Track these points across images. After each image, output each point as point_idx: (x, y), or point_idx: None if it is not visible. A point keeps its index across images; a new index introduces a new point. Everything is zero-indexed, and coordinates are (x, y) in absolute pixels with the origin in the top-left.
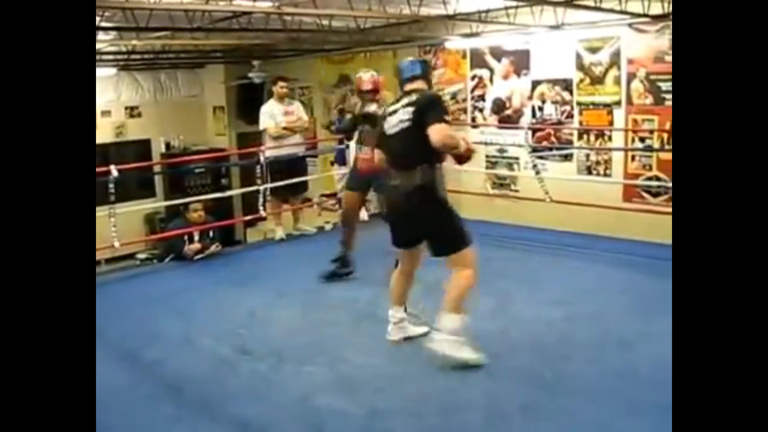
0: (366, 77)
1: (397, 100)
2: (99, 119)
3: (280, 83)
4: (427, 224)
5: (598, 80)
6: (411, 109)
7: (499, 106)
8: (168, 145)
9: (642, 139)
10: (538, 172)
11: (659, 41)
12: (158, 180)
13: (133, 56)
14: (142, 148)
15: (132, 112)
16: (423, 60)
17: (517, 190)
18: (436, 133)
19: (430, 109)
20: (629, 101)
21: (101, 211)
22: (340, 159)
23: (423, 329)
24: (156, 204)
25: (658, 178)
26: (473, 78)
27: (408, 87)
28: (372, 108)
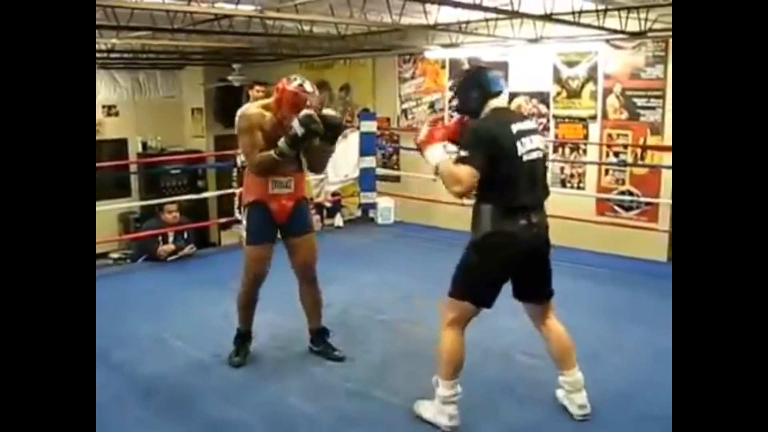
0: (311, 89)
1: (515, 118)
2: None
3: (257, 87)
4: (548, 266)
5: (574, 94)
6: (540, 137)
7: None
8: (145, 145)
9: (616, 154)
10: None
11: (635, 58)
12: (134, 180)
13: (111, 55)
14: (119, 147)
15: (109, 110)
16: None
17: None
18: None
19: None
20: (605, 116)
21: None
22: None
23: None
24: (131, 204)
25: (630, 193)
26: (451, 88)
27: (499, 103)
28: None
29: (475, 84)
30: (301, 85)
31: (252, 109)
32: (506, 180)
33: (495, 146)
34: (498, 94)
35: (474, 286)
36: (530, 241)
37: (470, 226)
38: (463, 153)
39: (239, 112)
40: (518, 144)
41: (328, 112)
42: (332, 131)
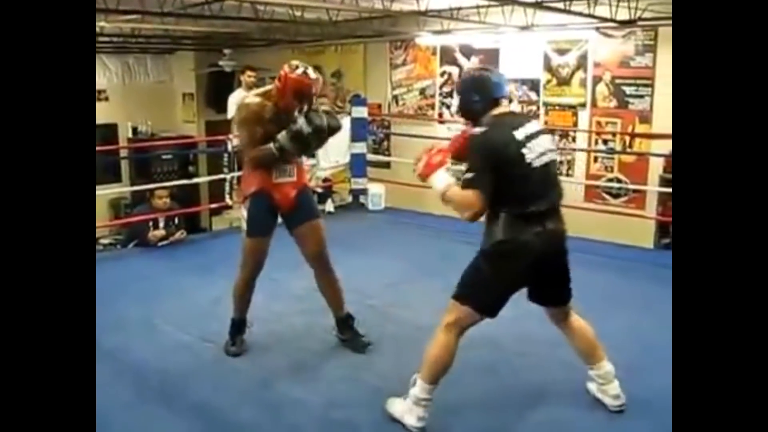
0: (314, 76)
1: (518, 122)
2: None
3: (248, 72)
4: (568, 268)
5: (564, 82)
6: (552, 138)
7: None
8: (135, 131)
9: (605, 141)
10: None
11: (625, 46)
12: (124, 165)
13: (100, 38)
14: (109, 132)
15: (99, 95)
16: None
17: None
18: None
19: None
20: (594, 103)
21: None
22: None
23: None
24: (121, 189)
25: (618, 180)
26: (442, 74)
27: (504, 108)
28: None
29: (477, 88)
30: (304, 73)
31: (251, 98)
32: (517, 188)
33: (500, 157)
34: (501, 99)
35: (480, 293)
36: (543, 248)
37: (483, 233)
38: (468, 175)
39: (233, 99)
40: (525, 150)
41: (325, 114)
42: (330, 133)
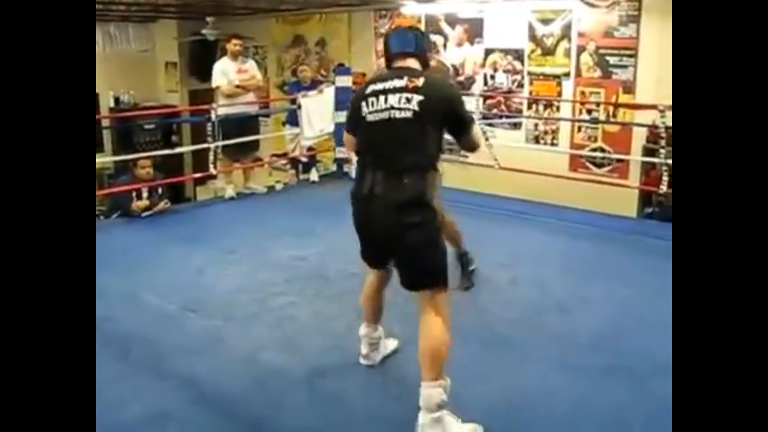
0: None
1: (383, 78)
2: None
3: (234, 41)
4: (412, 248)
5: (548, 51)
6: (418, 98)
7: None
8: (117, 100)
9: (589, 111)
10: (487, 139)
11: (609, 16)
12: (106, 135)
13: None
14: None
15: None
16: (418, 31)
17: (466, 156)
18: (476, 139)
19: (459, 105)
20: (578, 73)
21: None
22: (292, 119)
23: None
24: (104, 159)
25: (602, 150)
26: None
27: (399, 64)
28: None
29: (384, 45)
30: None
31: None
32: (358, 142)
33: (351, 109)
34: (396, 56)
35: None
36: (366, 211)
37: None
38: None
39: (218, 67)
40: (363, 104)
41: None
42: None
